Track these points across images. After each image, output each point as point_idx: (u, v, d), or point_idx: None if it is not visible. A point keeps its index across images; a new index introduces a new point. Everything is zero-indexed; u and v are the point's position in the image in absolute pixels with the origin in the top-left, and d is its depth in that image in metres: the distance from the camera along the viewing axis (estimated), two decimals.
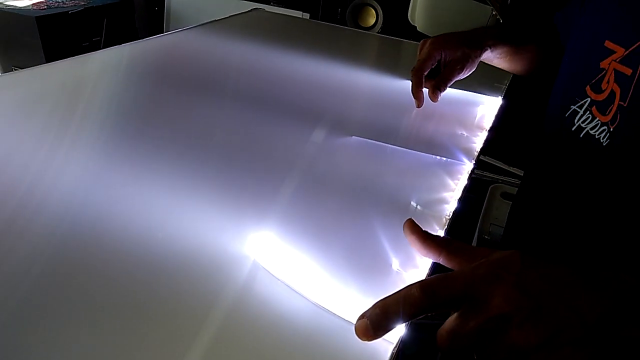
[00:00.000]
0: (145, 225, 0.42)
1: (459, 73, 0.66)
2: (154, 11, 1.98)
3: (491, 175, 1.61)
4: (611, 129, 0.50)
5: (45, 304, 0.34)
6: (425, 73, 0.66)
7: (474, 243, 1.30)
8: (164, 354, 0.32)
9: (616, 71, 0.51)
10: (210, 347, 0.33)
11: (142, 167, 0.50)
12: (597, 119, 0.52)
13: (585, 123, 0.53)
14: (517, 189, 0.83)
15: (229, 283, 0.38)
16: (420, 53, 0.69)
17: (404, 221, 0.38)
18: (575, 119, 0.55)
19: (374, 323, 0.30)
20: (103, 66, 0.79)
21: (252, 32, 1.10)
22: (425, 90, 0.66)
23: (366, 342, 0.31)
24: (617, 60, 0.51)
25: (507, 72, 0.77)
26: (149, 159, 0.52)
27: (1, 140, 0.52)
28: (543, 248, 0.58)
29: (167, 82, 0.75)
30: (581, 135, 0.53)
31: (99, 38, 1.68)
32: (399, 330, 0.34)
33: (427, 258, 0.37)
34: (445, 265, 0.36)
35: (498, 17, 1.44)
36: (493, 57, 0.70)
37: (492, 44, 0.68)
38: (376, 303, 0.31)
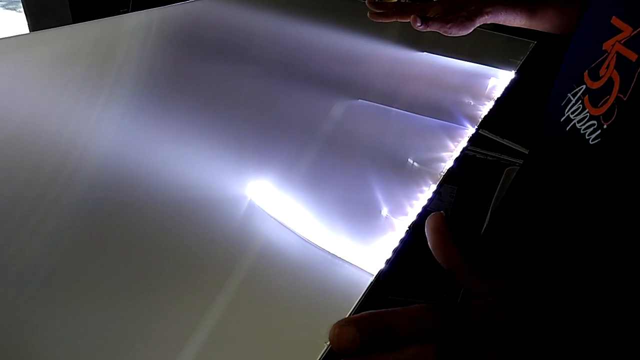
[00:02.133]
0: (165, 169, 0.46)
1: (443, 26, 0.62)
2: None
3: (508, 158, 1.60)
4: (604, 126, 0.41)
5: (85, 245, 0.38)
6: None
7: (486, 222, 1.30)
8: (160, 277, 0.35)
9: (619, 55, 0.42)
10: (203, 272, 0.36)
11: (164, 121, 0.54)
12: (587, 110, 0.44)
13: (574, 114, 0.46)
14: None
15: (227, 219, 0.41)
16: None
17: (398, 176, 0.38)
18: (566, 108, 0.47)
19: (364, 336, 0.25)
20: (130, 29, 0.82)
21: (274, 3, 1.12)
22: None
23: (347, 275, 0.33)
24: (622, 42, 0.42)
25: (525, 46, 0.74)
26: (171, 115, 0.55)
27: (35, 97, 0.55)
28: (525, 239, 0.52)
29: (191, 47, 0.78)
30: (567, 128, 0.46)
31: (125, 10, 1.72)
32: (379, 264, 0.36)
33: (416, 208, 0.34)
34: (461, 283, 0.31)
35: None
36: (504, 19, 0.64)
37: (491, 10, 0.63)
38: (371, 314, 0.26)
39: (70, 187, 0.42)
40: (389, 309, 0.26)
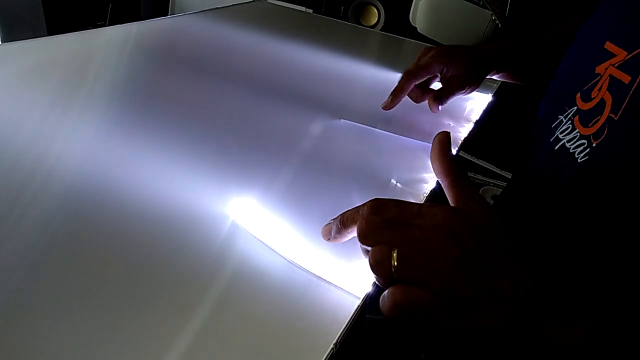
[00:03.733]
0: (142, 186, 0.44)
1: (460, 90, 0.65)
2: None
3: (483, 178, 1.63)
4: (593, 145, 0.42)
5: (55, 261, 0.36)
6: (417, 82, 0.63)
7: None
8: (139, 302, 0.34)
9: (612, 78, 0.44)
10: (185, 296, 0.35)
11: (141, 137, 0.52)
12: (577, 130, 0.45)
13: (564, 134, 0.47)
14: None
15: (209, 239, 0.40)
16: (419, 59, 0.66)
17: (381, 196, 0.39)
18: (557, 130, 0.49)
19: (333, 225, 0.36)
20: (107, 42, 0.81)
21: (254, 21, 1.12)
22: (406, 100, 0.65)
23: (333, 298, 0.33)
24: (616, 65, 0.44)
25: None
26: (148, 130, 0.54)
27: (8, 108, 0.54)
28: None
29: (169, 62, 0.77)
30: (556, 148, 0.47)
31: (103, 23, 1.70)
32: (366, 287, 0.36)
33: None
34: (445, 191, 0.36)
35: (497, 22, 1.46)
36: (496, 77, 0.71)
37: (497, 72, 0.68)
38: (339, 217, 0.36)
39: (37, 206, 0.41)
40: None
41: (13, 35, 1.61)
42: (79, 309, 0.32)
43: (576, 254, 0.43)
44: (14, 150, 0.46)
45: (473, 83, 0.66)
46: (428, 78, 0.65)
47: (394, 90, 0.63)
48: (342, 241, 0.37)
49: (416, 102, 0.66)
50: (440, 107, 0.64)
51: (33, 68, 0.65)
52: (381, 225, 0.31)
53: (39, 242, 0.37)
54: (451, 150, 0.36)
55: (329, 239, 0.37)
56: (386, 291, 0.30)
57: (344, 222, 0.35)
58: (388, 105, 0.63)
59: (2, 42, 1.57)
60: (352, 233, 0.35)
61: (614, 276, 0.39)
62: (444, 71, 0.64)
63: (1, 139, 0.47)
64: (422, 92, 0.65)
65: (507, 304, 0.29)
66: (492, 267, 0.29)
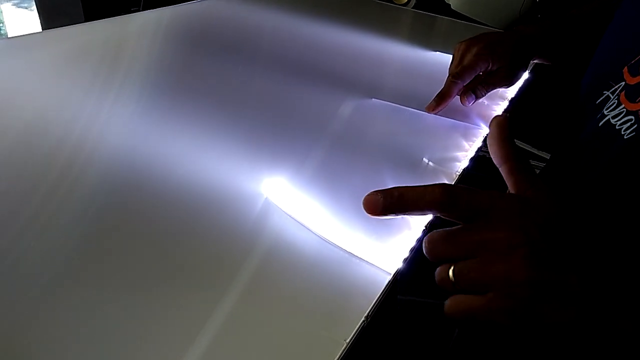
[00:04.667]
0: (177, 167, 0.46)
1: (505, 84, 0.64)
2: None
3: None
4: None
5: (100, 241, 0.38)
6: (464, 83, 0.62)
7: None
8: (175, 279, 0.35)
9: None
10: (220, 272, 0.36)
11: (176, 119, 0.54)
12: (623, 106, 0.44)
13: (609, 110, 0.46)
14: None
15: (243, 217, 0.41)
16: (461, 57, 0.63)
17: (414, 175, 0.38)
18: (604, 106, 0.47)
19: (386, 201, 0.31)
20: (141, 27, 0.83)
21: (283, 2, 1.12)
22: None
23: (364, 273, 0.33)
24: None
25: None
26: (183, 112, 0.55)
27: (47, 95, 0.56)
28: None
29: (201, 45, 0.78)
30: (600, 124, 0.46)
31: (137, 8, 1.73)
32: (397, 263, 0.36)
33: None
34: (504, 177, 0.34)
35: None
36: (537, 61, 0.69)
37: (539, 57, 0.67)
38: (395, 187, 0.31)
39: (80, 184, 0.43)
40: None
41: (53, 23, 1.65)
42: (121, 285, 0.34)
43: (623, 236, 0.41)
44: (54, 134, 0.48)
45: (516, 75, 0.65)
46: None
47: (440, 94, 0.61)
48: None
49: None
50: (473, 100, 0.62)
51: (71, 54, 0.67)
52: (446, 238, 0.30)
53: (79, 224, 0.38)
54: (511, 135, 0.34)
55: (375, 213, 0.31)
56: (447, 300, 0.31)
57: (404, 201, 0.31)
58: (434, 110, 0.61)
59: (42, 29, 1.63)
60: (409, 214, 0.31)
61: None
62: (490, 67, 0.63)
63: (42, 124, 0.50)
64: (455, 92, 0.63)
65: (575, 299, 0.28)
66: (559, 261, 0.29)
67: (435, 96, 0.61)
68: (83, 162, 0.45)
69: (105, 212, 0.39)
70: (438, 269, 0.30)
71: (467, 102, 0.62)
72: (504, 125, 0.34)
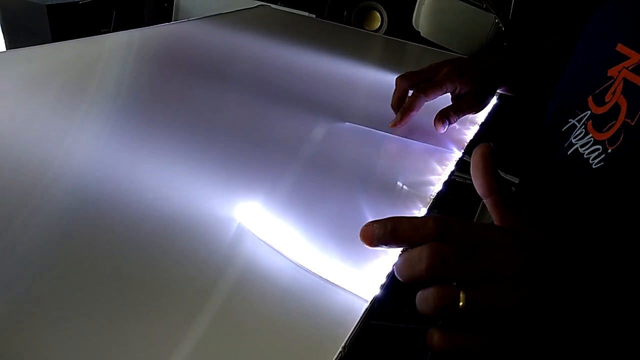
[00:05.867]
0: (147, 192, 0.44)
1: (471, 110, 0.64)
2: (163, 6, 2.01)
3: None
4: (608, 150, 0.42)
5: (60, 270, 0.36)
6: (429, 100, 0.61)
7: None
8: (144, 306, 0.33)
9: (626, 81, 0.43)
10: (192, 299, 0.34)
11: (146, 143, 0.52)
12: (590, 135, 0.44)
13: (577, 139, 0.46)
14: None
15: (215, 242, 0.39)
16: (431, 73, 0.64)
17: (388, 199, 0.38)
18: (571, 134, 0.48)
19: (379, 232, 0.31)
20: (111, 48, 0.81)
21: (257, 27, 1.12)
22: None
23: (341, 300, 0.32)
24: (630, 68, 0.43)
25: None
26: (153, 136, 0.54)
27: (11, 115, 0.54)
28: None
29: (173, 67, 0.77)
30: (569, 153, 0.46)
31: (107, 30, 1.71)
32: (373, 289, 0.36)
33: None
34: (489, 209, 0.34)
35: (501, 25, 1.46)
36: (501, 90, 0.71)
37: (505, 86, 0.69)
38: (389, 217, 0.32)
39: (43, 210, 0.40)
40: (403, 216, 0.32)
41: (17, 43, 1.61)
42: (83, 313, 0.32)
43: (591, 261, 0.42)
44: (17, 157, 0.46)
45: (484, 101, 0.65)
46: None
47: (403, 109, 0.60)
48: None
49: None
50: (447, 127, 0.62)
51: (37, 75, 0.65)
52: (453, 258, 0.29)
53: (43, 248, 0.36)
54: (495, 165, 0.34)
55: (371, 244, 0.32)
56: (433, 329, 0.30)
57: (397, 234, 0.31)
58: (397, 124, 0.60)
59: (6, 49, 1.58)
60: (402, 246, 0.32)
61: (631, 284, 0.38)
62: (457, 90, 0.63)
63: (5, 146, 0.47)
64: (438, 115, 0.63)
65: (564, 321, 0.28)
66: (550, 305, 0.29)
67: (399, 112, 0.61)
68: (46, 186, 0.43)
69: (70, 240, 0.38)
70: (441, 289, 0.29)
71: (441, 128, 0.62)
72: (488, 156, 0.33)
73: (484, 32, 1.44)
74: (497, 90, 0.71)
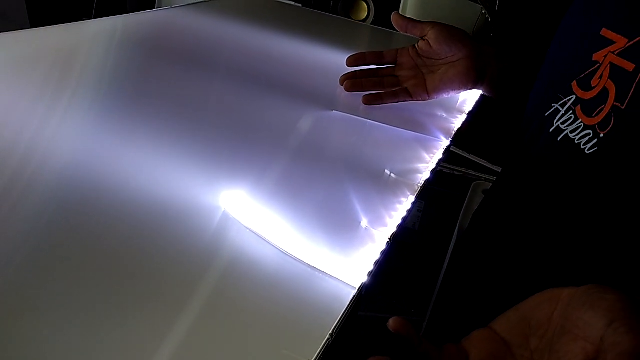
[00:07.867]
0: (131, 180, 0.43)
1: (461, 79, 0.64)
2: None
3: (474, 173, 1.63)
4: (600, 135, 0.42)
5: (45, 258, 0.35)
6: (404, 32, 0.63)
7: (454, 237, 1.31)
8: (131, 295, 0.33)
9: (613, 65, 0.42)
10: (178, 288, 0.33)
11: (129, 131, 0.51)
12: (580, 120, 0.44)
13: (566, 125, 0.46)
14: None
15: (200, 231, 0.39)
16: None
17: (376, 187, 0.37)
18: (555, 119, 0.47)
19: None
20: (93, 35, 0.79)
21: (242, 15, 1.10)
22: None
23: (328, 288, 0.32)
24: (616, 53, 0.42)
25: None
26: (137, 123, 0.53)
27: None
28: (503, 248, 0.53)
29: (157, 55, 0.75)
30: (559, 139, 0.46)
31: (88, 18, 1.67)
32: (361, 277, 0.35)
33: (395, 220, 0.35)
34: None
35: (487, 16, 1.46)
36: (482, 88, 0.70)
37: (485, 88, 0.68)
38: None
39: (28, 198, 0.39)
40: None
41: None
42: (70, 305, 0.31)
43: (581, 248, 0.42)
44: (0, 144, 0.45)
45: (476, 76, 0.64)
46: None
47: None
48: None
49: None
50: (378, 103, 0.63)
51: (16, 61, 0.63)
52: None
53: (27, 239, 0.35)
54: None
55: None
56: None
57: None
58: (347, 81, 0.65)
59: None
60: None
61: (621, 273, 0.38)
62: (453, 55, 0.64)
63: None
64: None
65: None
66: None
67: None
68: (31, 174, 0.42)
69: (55, 227, 0.36)
70: None
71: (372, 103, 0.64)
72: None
73: (470, 23, 1.44)
74: (479, 89, 0.69)
